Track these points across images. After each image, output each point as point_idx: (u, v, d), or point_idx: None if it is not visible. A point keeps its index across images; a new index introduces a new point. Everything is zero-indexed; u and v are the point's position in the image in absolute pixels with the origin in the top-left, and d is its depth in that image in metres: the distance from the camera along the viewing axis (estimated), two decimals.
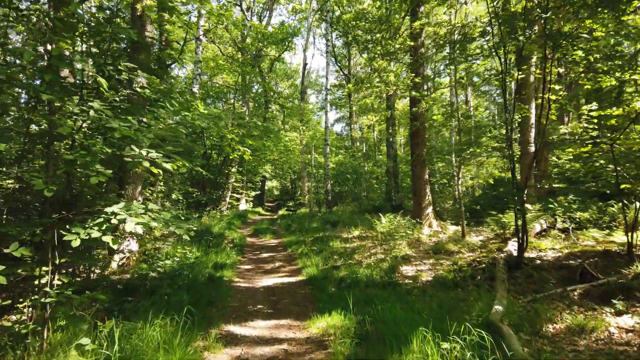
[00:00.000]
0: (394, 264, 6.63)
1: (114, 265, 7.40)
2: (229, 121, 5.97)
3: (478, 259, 6.50)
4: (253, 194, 28.47)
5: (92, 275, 6.70)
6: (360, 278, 5.94)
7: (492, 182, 10.02)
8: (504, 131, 10.62)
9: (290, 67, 38.56)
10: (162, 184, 8.52)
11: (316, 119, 38.12)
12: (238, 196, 24.80)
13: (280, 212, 22.79)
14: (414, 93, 8.55)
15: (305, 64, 26.68)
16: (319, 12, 28.19)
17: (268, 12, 26.41)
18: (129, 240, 7.71)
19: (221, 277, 6.52)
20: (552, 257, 6.21)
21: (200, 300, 5.11)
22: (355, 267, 6.81)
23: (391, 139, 23.02)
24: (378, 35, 8.51)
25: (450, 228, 10.14)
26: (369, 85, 9.16)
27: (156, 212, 3.26)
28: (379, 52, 8.83)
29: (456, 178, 9.11)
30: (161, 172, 6.84)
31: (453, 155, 18.53)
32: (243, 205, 25.26)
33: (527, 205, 8.81)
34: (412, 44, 9.02)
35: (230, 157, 6.49)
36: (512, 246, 6.66)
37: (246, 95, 22.11)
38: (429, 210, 10.38)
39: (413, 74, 9.00)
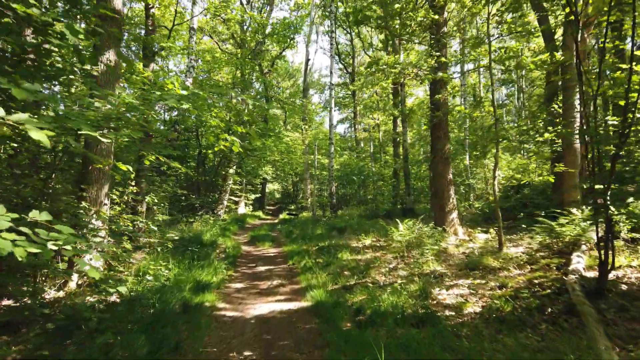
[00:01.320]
0: (425, 286, 5.12)
1: (72, 285, 5.94)
2: (210, 100, 4.54)
3: (536, 281, 4.99)
4: (253, 196, 27.00)
5: (38, 299, 5.27)
6: (385, 308, 4.43)
7: (552, 180, 8.44)
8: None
9: (292, 67, 37.26)
10: (133, 183, 7.03)
11: (319, 120, 36.67)
12: (237, 199, 23.35)
13: (281, 216, 21.29)
14: (440, 74, 7.06)
15: (307, 59, 25.31)
16: (322, 8, 26.89)
17: (269, 6, 25.05)
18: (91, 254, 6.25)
19: (201, 304, 5.02)
20: (637, 279, 4.70)
21: (163, 343, 3.62)
22: (374, 289, 5.30)
23: (399, 139, 21.48)
24: (396, 5, 7.07)
25: (479, 236, 8.62)
26: (385, 66, 7.68)
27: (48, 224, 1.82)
28: (397, 26, 7.36)
29: (492, 175, 7.58)
30: (130, 168, 5.37)
31: (467, 152, 16.99)
32: (242, 209, 23.80)
33: (573, 210, 7.31)
34: (435, 17, 7.56)
35: (216, 149, 4.98)
36: (578, 263, 5.14)
37: (245, 92, 20.67)
38: (454, 215, 8.87)
39: (437, 54, 7.53)
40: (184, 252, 7.81)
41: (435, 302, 4.74)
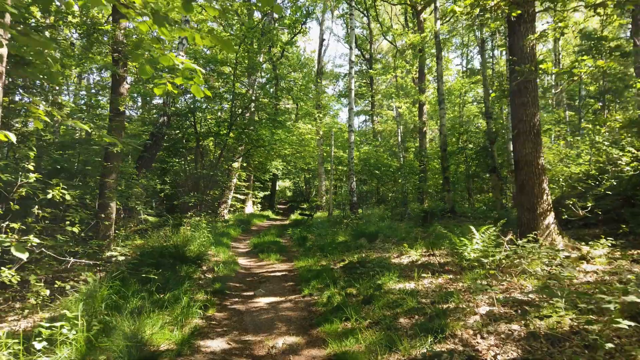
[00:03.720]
0: None
1: None
2: None
3: None
4: (261, 194, 24.31)
5: None
6: None
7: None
8: None
9: (305, 55, 34.37)
10: (32, 166, 4.31)
11: (332, 114, 33.70)
12: (243, 197, 20.69)
13: (293, 217, 18.45)
14: None
15: (322, 40, 22.46)
16: None
17: None
18: None
19: None
20: None
21: None
22: None
23: (425, 129, 18.54)
24: None
25: (593, 252, 5.67)
26: None
27: None
28: None
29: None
30: (12, 137, 2.62)
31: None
32: (249, 208, 21.15)
33: None
34: None
35: (158, 93, 2.08)
36: None
37: (252, 77, 17.82)
38: (550, 219, 5.92)
39: None
40: (144, 278, 5.09)
41: None
